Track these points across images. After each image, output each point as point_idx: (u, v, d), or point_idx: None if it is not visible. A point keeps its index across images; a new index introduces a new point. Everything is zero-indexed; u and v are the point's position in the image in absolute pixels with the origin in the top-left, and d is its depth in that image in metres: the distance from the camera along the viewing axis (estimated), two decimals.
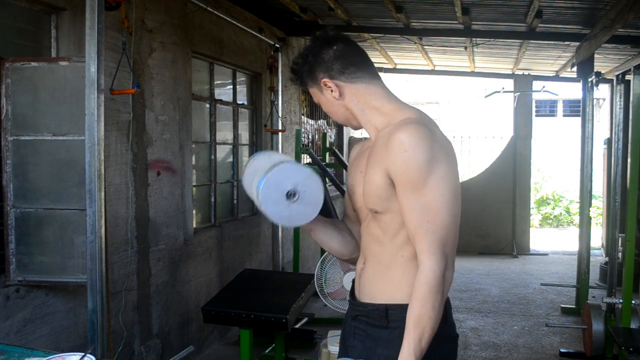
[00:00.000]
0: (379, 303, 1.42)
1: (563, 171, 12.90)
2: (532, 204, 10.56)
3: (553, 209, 12.05)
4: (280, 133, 5.46)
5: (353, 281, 1.60)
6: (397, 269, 1.41)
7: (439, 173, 1.31)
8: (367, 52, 1.54)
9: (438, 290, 1.30)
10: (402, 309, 1.37)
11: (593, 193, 5.68)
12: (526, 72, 8.41)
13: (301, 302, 3.25)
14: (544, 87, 8.50)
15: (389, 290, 1.42)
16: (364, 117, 1.49)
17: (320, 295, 3.53)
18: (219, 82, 4.85)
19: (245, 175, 1.52)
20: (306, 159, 5.81)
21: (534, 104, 10.44)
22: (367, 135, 1.54)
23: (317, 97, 1.53)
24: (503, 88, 8.79)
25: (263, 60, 5.24)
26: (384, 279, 1.43)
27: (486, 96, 9.71)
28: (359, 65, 1.49)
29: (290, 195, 1.36)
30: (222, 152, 4.88)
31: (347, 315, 1.59)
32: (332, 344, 2.62)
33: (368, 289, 1.47)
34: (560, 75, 8.21)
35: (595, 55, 5.32)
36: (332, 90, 1.47)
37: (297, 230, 5.03)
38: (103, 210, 2.53)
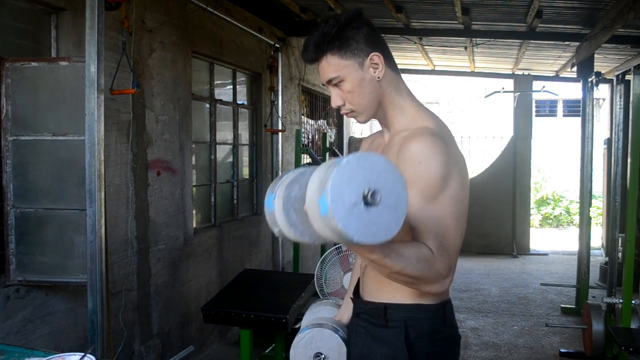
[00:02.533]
0: (379, 302, 1.42)
1: (563, 171, 12.90)
2: (532, 204, 10.55)
3: (553, 209, 12.06)
4: (280, 133, 5.46)
5: (358, 279, 1.60)
6: None
7: (450, 191, 1.26)
8: None
9: (430, 275, 1.21)
10: (400, 308, 1.37)
11: (593, 193, 5.68)
12: (526, 72, 8.41)
13: (301, 302, 3.25)
14: (544, 87, 8.49)
15: (388, 290, 1.40)
16: (391, 110, 1.40)
17: (320, 295, 3.52)
18: (219, 82, 4.84)
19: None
20: (306, 159, 5.81)
21: (534, 104, 10.43)
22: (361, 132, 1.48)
23: (349, 72, 1.33)
24: (503, 88, 8.79)
25: (263, 60, 5.24)
26: (385, 278, 1.41)
27: (486, 96, 9.71)
28: (391, 54, 1.41)
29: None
30: (222, 152, 4.88)
31: (352, 313, 1.60)
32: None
33: (370, 287, 1.47)
34: (560, 75, 8.21)
35: (595, 55, 5.32)
36: (377, 69, 1.35)
37: None
38: (103, 210, 2.53)
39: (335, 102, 1.38)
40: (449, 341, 1.42)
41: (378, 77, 1.35)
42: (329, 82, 1.36)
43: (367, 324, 1.45)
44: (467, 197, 1.31)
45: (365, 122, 1.44)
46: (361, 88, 1.35)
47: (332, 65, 1.34)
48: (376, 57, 1.34)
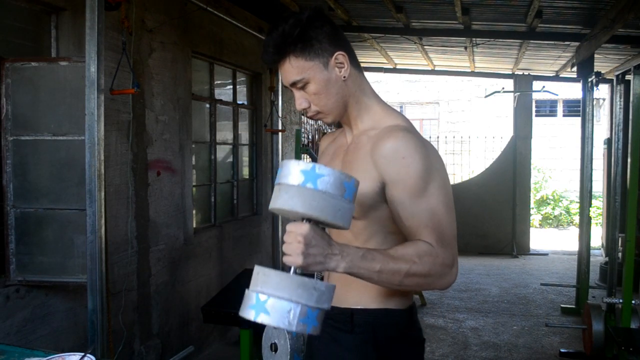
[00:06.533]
0: (345, 307, 1.38)
1: (563, 171, 12.90)
2: (532, 204, 10.55)
3: (553, 209, 12.06)
4: (280, 133, 5.46)
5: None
6: None
7: (437, 182, 1.25)
8: (367, 52, 1.49)
9: (438, 269, 1.20)
10: (367, 313, 1.35)
11: (593, 193, 5.68)
12: (526, 72, 8.41)
13: None
14: (544, 87, 8.50)
15: (355, 294, 1.37)
16: (355, 111, 1.37)
17: None
18: (219, 82, 4.85)
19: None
20: (306, 158, 5.80)
21: (534, 104, 10.44)
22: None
23: (314, 74, 1.29)
24: (503, 88, 8.80)
25: None
26: (351, 282, 1.36)
27: (486, 96, 9.72)
28: (354, 52, 1.38)
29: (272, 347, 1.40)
30: (222, 152, 4.88)
31: None
32: None
33: (337, 291, 1.41)
34: (560, 75, 8.21)
35: (595, 55, 5.32)
36: (342, 68, 1.31)
37: None
38: (103, 210, 2.53)
39: (300, 104, 1.35)
40: (416, 344, 1.41)
41: (344, 77, 1.32)
42: (293, 84, 1.32)
43: (332, 330, 1.41)
44: (450, 188, 1.31)
45: (332, 123, 1.40)
46: (327, 89, 1.31)
47: (295, 68, 1.29)
48: (341, 56, 1.30)
